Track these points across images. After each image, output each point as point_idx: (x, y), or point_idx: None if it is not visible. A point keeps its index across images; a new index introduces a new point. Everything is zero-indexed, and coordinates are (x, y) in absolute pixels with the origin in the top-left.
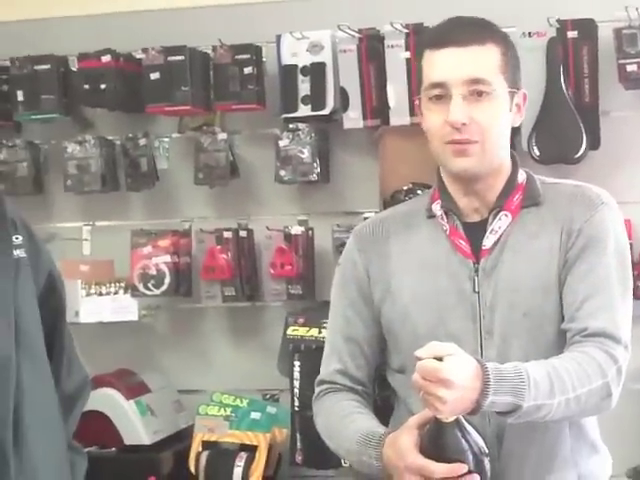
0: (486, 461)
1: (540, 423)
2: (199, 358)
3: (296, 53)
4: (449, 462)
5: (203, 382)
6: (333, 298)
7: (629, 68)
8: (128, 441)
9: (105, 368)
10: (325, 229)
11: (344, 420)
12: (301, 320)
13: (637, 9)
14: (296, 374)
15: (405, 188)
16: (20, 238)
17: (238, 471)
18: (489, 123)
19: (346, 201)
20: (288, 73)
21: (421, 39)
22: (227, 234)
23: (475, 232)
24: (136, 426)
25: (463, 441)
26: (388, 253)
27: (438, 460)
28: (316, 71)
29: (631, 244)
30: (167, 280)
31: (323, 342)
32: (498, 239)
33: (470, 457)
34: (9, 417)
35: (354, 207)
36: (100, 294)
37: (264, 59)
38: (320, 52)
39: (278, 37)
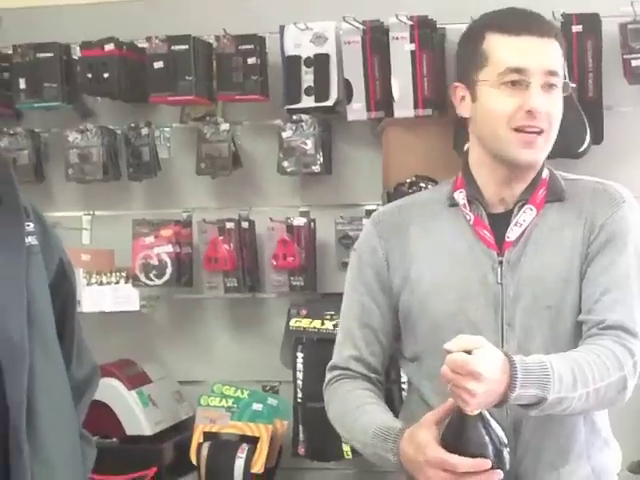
0: (505, 452)
1: (556, 416)
2: (199, 349)
3: (300, 44)
4: (471, 454)
5: (202, 373)
6: (348, 284)
7: (634, 63)
8: (130, 431)
9: (106, 358)
10: (327, 221)
11: (358, 410)
12: (304, 312)
13: None
14: (299, 366)
15: (408, 180)
16: (31, 225)
17: (240, 462)
18: (556, 115)
19: (348, 193)
20: (291, 64)
21: (480, 22)
22: (229, 225)
23: (499, 223)
24: (138, 417)
25: (485, 434)
26: (408, 240)
27: (460, 453)
28: (320, 62)
29: None
30: (169, 270)
31: (326, 334)
32: (522, 232)
33: (491, 449)
34: (23, 403)
35: (356, 199)
36: (101, 283)
37: (267, 50)
38: (324, 43)
39: (282, 28)
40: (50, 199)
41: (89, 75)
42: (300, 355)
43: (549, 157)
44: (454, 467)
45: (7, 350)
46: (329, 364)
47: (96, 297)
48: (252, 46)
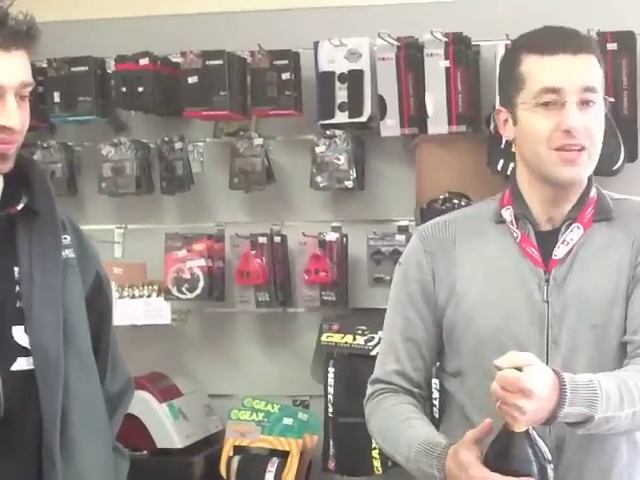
0: (549, 469)
1: (599, 435)
2: (230, 363)
3: (334, 60)
4: (516, 471)
5: (233, 387)
6: (392, 298)
7: None
8: (160, 444)
9: (137, 371)
10: (359, 236)
11: (402, 425)
12: (335, 327)
13: None
14: (330, 380)
15: (442, 197)
16: (68, 238)
17: (270, 476)
18: (597, 130)
19: (381, 209)
20: (325, 80)
21: (516, 44)
22: (262, 239)
23: (545, 241)
24: (168, 429)
25: (531, 452)
26: (454, 255)
27: (505, 469)
28: (354, 78)
29: None
30: (201, 284)
31: (357, 349)
32: (570, 250)
33: (535, 467)
34: (57, 416)
35: (389, 215)
36: (133, 297)
37: (301, 65)
38: (358, 59)
39: (316, 44)
40: (83, 212)
41: (123, 89)
42: (331, 370)
43: None
44: None
45: (43, 364)
46: (371, 377)
47: (128, 310)
48: (286, 61)
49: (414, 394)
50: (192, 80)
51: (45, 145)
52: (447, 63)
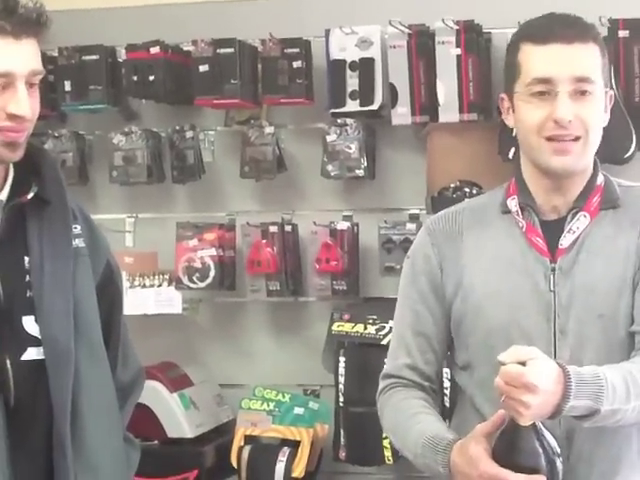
0: (558, 462)
1: (609, 426)
2: (240, 352)
3: (345, 48)
4: (524, 465)
5: (244, 376)
6: (402, 291)
7: None
8: (171, 434)
9: (148, 360)
10: (370, 225)
11: (410, 420)
12: (346, 316)
13: None
14: (341, 370)
15: (453, 185)
16: (79, 228)
17: (281, 466)
18: (592, 121)
19: (392, 197)
20: (336, 68)
21: (518, 33)
22: (273, 228)
23: (551, 230)
24: (179, 419)
25: (538, 445)
26: (461, 248)
27: (513, 464)
28: (365, 66)
29: None
30: (212, 273)
31: (368, 338)
32: (576, 239)
33: (544, 460)
34: (68, 406)
35: (400, 203)
36: (144, 286)
37: (312, 53)
38: (369, 47)
39: (327, 32)
40: (94, 201)
41: (134, 78)
42: (342, 359)
43: None
44: None
45: (53, 353)
46: (382, 372)
47: (139, 300)
48: (297, 50)
49: (425, 388)
50: (203, 68)
51: (56, 134)
52: (458, 51)
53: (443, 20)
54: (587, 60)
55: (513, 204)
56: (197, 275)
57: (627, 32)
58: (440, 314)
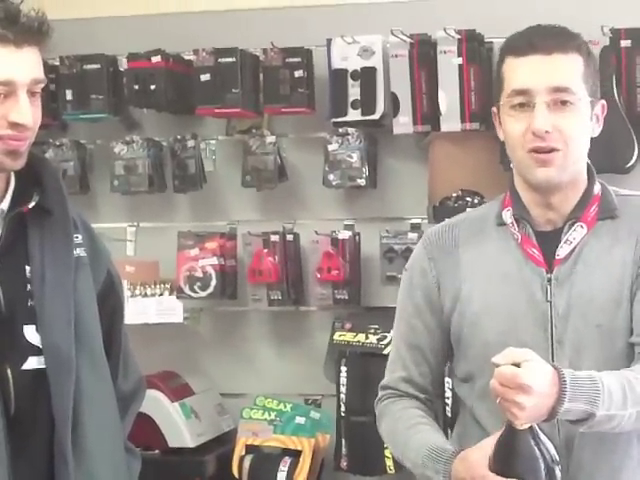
0: (557, 470)
1: (609, 434)
2: (242, 361)
3: (346, 57)
4: (522, 469)
5: (245, 386)
6: (399, 304)
7: None
8: (172, 444)
9: (149, 370)
10: (372, 234)
11: (410, 430)
12: (348, 325)
13: None
14: (342, 379)
15: (454, 195)
16: (80, 237)
17: (282, 476)
18: (572, 132)
19: (394, 207)
20: (338, 77)
21: (502, 47)
22: (274, 237)
23: (548, 241)
24: (180, 429)
25: (536, 449)
26: (458, 261)
27: (510, 467)
28: (366, 76)
29: None
30: (213, 282)
31: (370, 347)
32: (572, 250)
33: (542, 465)
34: (69, 415)
35: (402, 213)
36: (145, 295)
37: (314, 63)
38: (371, 57)
39: (329, 41)
40: (95, 210)
41: (135, 87)
42: (344, 369)
43: (596, 172)
44: None
45: (54, 362)
46: (381, 383)
47: (140, 309)
48: (299, 59)
49: (420, 399)
50: (204, 78)
51: (57, 143)
52: (460, 60)
53: (445, 29)
54: (566, 70)
55: (508, 216)
56: (198, 284)
57: (629, 42)
58: (436, 327)
